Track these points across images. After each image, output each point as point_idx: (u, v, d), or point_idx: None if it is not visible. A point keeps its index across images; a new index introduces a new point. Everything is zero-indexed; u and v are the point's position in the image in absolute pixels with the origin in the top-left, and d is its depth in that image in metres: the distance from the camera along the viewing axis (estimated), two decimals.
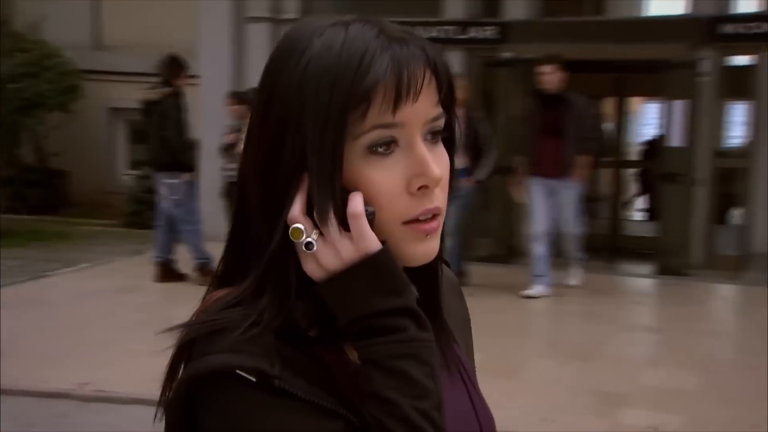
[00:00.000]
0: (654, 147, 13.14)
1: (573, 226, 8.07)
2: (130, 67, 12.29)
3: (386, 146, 0.89)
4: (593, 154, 8.13)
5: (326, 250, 0.88)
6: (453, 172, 0.97)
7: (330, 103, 0.86)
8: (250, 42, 10.56)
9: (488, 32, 10.88)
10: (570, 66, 12.22)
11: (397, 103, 0.87)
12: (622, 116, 12.78)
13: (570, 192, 7.91)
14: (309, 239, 0.88)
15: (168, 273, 8.18)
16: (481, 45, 10.87)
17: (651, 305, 8.77)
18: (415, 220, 0.91)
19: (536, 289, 7.75)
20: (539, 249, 7.85)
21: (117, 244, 10.35)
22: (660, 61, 9.96)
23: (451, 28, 11.12)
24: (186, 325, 0.93)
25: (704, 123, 9.77)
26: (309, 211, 0.89)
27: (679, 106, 9.74)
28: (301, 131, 0.88)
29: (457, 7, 10.94)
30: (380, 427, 0.84)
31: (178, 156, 7.88)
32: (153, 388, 3.87)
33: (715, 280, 9.24)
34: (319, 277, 0.89)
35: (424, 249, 0.93)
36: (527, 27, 10.79)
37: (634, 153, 15.04)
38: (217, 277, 0.98)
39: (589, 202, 13.84)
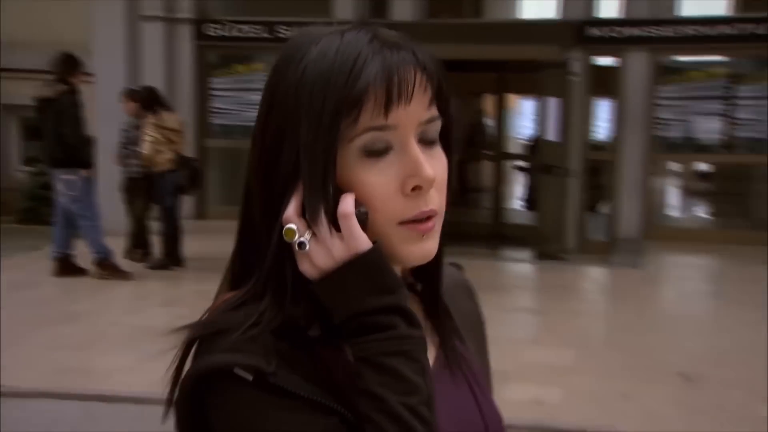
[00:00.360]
0: (535, 142, 13.53)
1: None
2: (24, 64, 11.80)
3: (380, 148, 0.89)
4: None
5: (319, 250, 0.88)
6: (451, 174, 0.96)
7: (323, 107, 0.86)
8: (144, 40, 10.31)
9: None
10: (453, 66, 12.47)
11: (388, 106, 0.87)
12: (501, 113, 13.08)
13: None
14: (302, 239, 0.88)
15: (66, 268, 7.92)
16: None
17: (530, 288, 9.05)
18: (411, 221, 0.90)
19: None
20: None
21: (12, 241, 9.93)
22: (534, 61, 10.26)
23: None
24: (191, 326, 0.93)
25: (575, 119, 10.13)
26: (304, 213, 0.89)
27: (552, 103, 10.07)
28: (296, 135, 0.88)
29: (346, 8, 10.97)
30: (370, 423, 0.84)
31: (74, 152, 7.63)
32: (56, 381, 3.80)
33: (587, 263, 9.62)
34: (313, 277, 0.89)
35: (420, 249, 0.92)
36: (413, 28, 10.91)
37: (514, 147, 15.42)
38: (228, 280, 0.98)
39: (472, 193, 14.21)
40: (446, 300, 1.08)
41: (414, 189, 0.89)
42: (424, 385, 0.86)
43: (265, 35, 11.43)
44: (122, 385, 4.93)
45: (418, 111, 0.89)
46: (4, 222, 11.17)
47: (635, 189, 10.58)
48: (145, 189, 8.32)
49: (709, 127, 10.81)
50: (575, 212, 10.31)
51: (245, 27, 11.37)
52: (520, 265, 10.11)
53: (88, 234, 7.81)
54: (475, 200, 14.30)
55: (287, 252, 0.90)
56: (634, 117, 10.55)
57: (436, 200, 0.91)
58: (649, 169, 10.82)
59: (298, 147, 0.88)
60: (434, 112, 0.92)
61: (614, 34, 10.60)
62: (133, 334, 5.98)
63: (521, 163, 14.43)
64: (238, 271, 0.96)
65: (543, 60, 10.10)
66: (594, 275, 9.20)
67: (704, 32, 10.50)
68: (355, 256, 0.87)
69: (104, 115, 9.44)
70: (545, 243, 9.99)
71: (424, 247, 0.91)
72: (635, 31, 10.58)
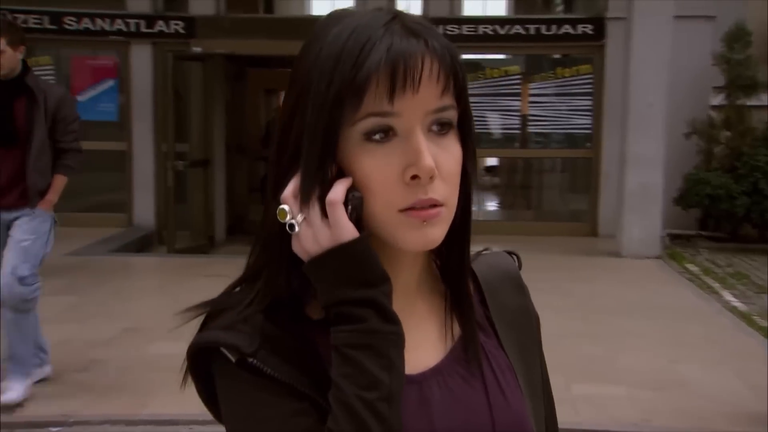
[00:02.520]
0: None
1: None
2: None
3: (383, 134, 0.89)
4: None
5: (307, 234, 0.90)
6: (467, 165, 0.95)
7: (328, 88, 0.88)
8: None
9: (176, 27, 10.72)
10: (250, 61, 12.40)
11: (393, 93, 0.88)
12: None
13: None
14: (292, 221, 0.90)
15: None
16: (169, 39, 10.71)
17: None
18: (412, 208, 0.90)
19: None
20: None
21: None
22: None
23: (134, 21, 10.84)
24: (201, 305, 0.97)
25: None
26: None
27: None
28: (304, 115, 0.90)
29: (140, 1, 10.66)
30: (331, 411, 0.87)
31: None
32: None
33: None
34: (303, 259, 0.91)
35: (420, 235, 0.91)
36: (213, 22, 10.78)
37: None
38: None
39: None
40: (487, 291, 1.09)
41: (414, 178, 0.89)
42: (388, 381, 0.87)
43: (51, 26, 10.86)
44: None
45: (426, 99, 0.90)
46: None
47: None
48: None
49: (494, 123, 11.46)
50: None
51: (29, 18, 10.70)
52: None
53: None
54: None
55: (285, 232, 0.92)
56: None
57: (441, 190, 0.91)
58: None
59: (304, 127, 0.90)
60: (447, 101, 0.92)
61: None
62: None
63: None
64: (254, 251, 0.99)
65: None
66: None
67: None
68: (338, 244, 0.88)
69: None
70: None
71: (425, 234, 0.91)
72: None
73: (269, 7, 12.78)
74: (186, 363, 0.95)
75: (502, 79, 11.29)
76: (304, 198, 0.90)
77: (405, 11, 0.94)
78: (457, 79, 0.93)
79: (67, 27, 10.88)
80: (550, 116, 11.29)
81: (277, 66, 12.77)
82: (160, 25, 10.80)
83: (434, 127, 0.92)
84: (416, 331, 0.99)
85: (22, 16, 10.36)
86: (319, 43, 0.91)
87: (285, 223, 0.91)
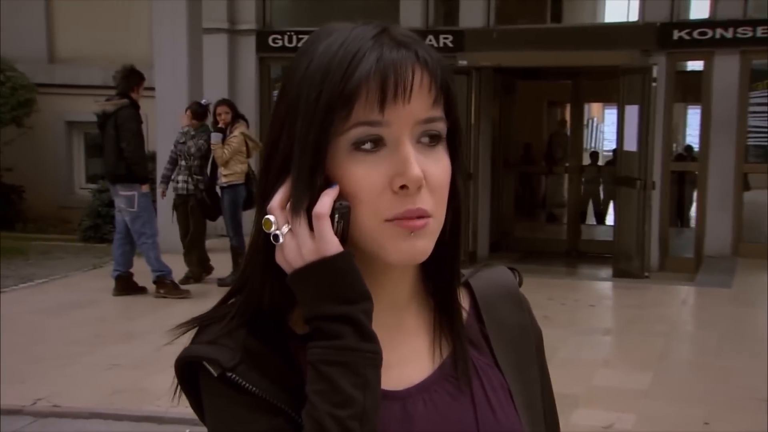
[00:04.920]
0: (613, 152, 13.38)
1: None
2: (86, 80, 12.23)
3: (372, 144, 0.91)
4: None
5: (291, 245, 0.92)
6: (456, 177, 0.97)
7: (318, 99, 0.90)
8: (206, 53, 10.58)
9: (445, 40, 11.01)
10: (527, 73, 12.45)
11: (383, 103, 0.90)
12: (578, 123, 12.96)
13: None
14: (276, 232, 0.92)
15: (126, 286, 8.15)
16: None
17: (607, 307, 8.91)
18: (399, 218, 0.91)
19: None
20: None
21: (74, 259, 10.28)
22: (614, 67, 10.15)
23: None
24: (191, 321, 1.01)
25: (657, 127, 9.96)
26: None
27: (632, 111, 9.93)
28: (293, 127, 0.93)
29: (413, 15, 11.05)
30: (304, 427, 0.89)
31: (134, 168, 7.87)
32: (110, 402, 3.94)
33: (670, 282, 9.42)
34: (286, 270, 0.93)
35: (407, 247, 0.92)
36: (481, 35, 10.93)
37: (593, 158, 15.24)
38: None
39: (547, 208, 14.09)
40: (483, 308, 1.09)
41: (402, 188, 0.90)
42: (361, 399, 0.88)
43: None
44: (176, 406, 5.03)
45: (416, 110, 0.91)
46: (68, 240, 11.57)
47: (724, 202, 10.32)
48: (201, 205, 8.50)
49: None
50: (658, 227, 10.12)
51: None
52: (597, 284, 9.98)
53: (147, 252, 8.03)
54: (551, 216, 14.19)
55: (270, 243, 0.94)
56: (722, 125, 10.30)
57: (429, 201, 0.92)
58: (739, 181, 10.54)
59: (294, 138, 0.92)
60: (437, 112, 0.94)
61: (700, 36, 10.39)
62: None
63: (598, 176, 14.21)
64: (246, 262, 1.02)
65: (623, 65, 9.99)
66: (677, 295, 8.99)
67: None
68: (321, 259, 0.90)
69: (164, 131, 9.70)
70: (625, 260, 9.84)
71: (413, 245, 0.92)
72: (724, 33, 10.34)
73: (557, 17, 12.72)
74: (175, 376, 0.99)
75: None
76: (293, 209, 0.92)
77: (394, 25, 0.96)
78: (447, 91, 0.95)
79: None
80: None
81: (555, 78, 12.70)
82: (429, 40, 11.17)
83: (423, 139, 0.93)
84: (403, 347, 1.01)
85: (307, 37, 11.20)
86: (309, 56, 0.94)
87: (269, 234, 0.93)
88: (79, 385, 5.64)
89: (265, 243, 0.94)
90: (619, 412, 5.20)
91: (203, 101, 8.85)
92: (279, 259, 0.93)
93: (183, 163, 8.50)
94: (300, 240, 0.91)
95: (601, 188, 13.82)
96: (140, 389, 5.51)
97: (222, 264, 8.66)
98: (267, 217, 0.93)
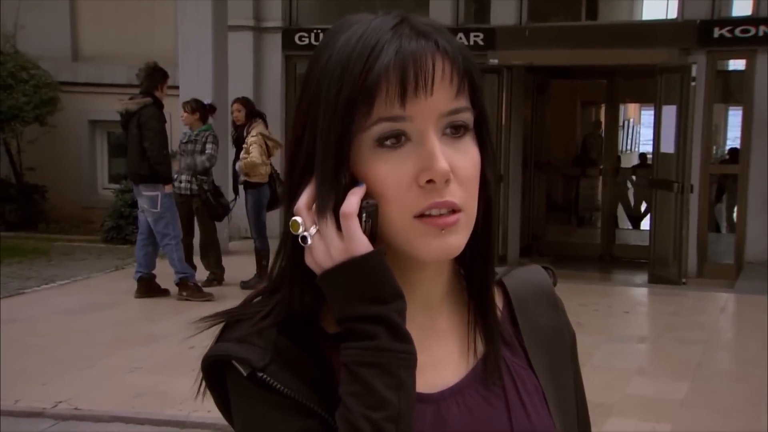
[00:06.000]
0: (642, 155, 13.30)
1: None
2: (109, 78, 12.36)
3: (395, 139, 0.91)
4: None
5: (320, 246, 0.92)
6: (485, 168, 0.96)
7: (338, 96, 0.90)
8: (231, 51, 10.64)
9: (476, 38, 10.99)
10: (561, 72, 12.38)
11: (404, 97, 0.89)
12: (613, 123, 12.87)
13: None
14: (304, 233, 0.92)
15: (148, 288, 8.21)
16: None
17: (643, 314, 8.84)
18: (429, 215, 0.91)
19: None
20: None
21: (96, 260, 10.38)
22: (652, 65, 10.08)
23: None
24: (217, 315, 1.01)
25: (696, 129, 9.86)
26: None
27: (670, 112, 9.84)
28: (315, 124, 0.93)
29: (443, 12, 11.04)
30: (338, 429, 0.89)
31: (158, 168, 7.92)
32: (131, 405, 3.97)
33: (709, 288, 9.33)
34: (316, 272, 0.93)
35: (439, 244, 0.92)
36: (513, 33, 10.90)
37: (629, 160, 15.15)
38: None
39: (582, 211, 14.00)
40: (517, 308, 1.08)
41: (428, 182, 0.90)
42: (396, 401, 0.88)
43: None
44: (198, 410, 5.08)
45: (440, 102, 0.91)
46: (90, 241, 11.68)
47: (765, 206, 10.20)
48: (206, 205, 8.50)
49: None
50: (696, 232, 10.03)
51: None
52: (632, 290, 9.90)
53: (170, 253, 8.08)
54: (586, 219, 14.10)
55: (298, 245, 0.94)
56: (764, 126, 10.19)
57: (458, 194, 0.92)
58: None
59: (316, 136, 0.92)
60: (461, 103, 0.93)
61: (742, 35, 10.29)
62: None
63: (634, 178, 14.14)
64: (275, 262, 1.02)
65: (661, 64, 9.92)
66: (715, 301, 8.90)
67: None
68: (351, 258, 0.89)
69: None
70: (661, 266, 9.76)
71: (445, 242, 0.92)
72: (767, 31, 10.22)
73: (592, 14, 12.66)
74: (200, 374, 0.99)
75: None
76: (319, 209, 0.92)
77: (414, 14, 0.95)
78: (471, 80, 0.94)
79: None
80: None
81: (590, 77, 12.62)
82: (459, 38, 11.13)
83: (448, 130, 0.93)
84: (437, 348, 1.01)
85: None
86: (329, 51, 0.94)
87: (297, 235, 0.93)
88: (100, 388, 5.69)
89: (294, 245, 0.95)
90: (654, 421, 5.16)
91: (206, 101, 8.83)
92: (308, 260, 0.93)
93: (186, 163, 8.50)
94: (328, 240, 0.91)
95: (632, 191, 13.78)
96: (162, 393, 5.55)
97: (245, 266, 8.69)
98: (294, 218, 0.93)
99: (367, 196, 0.91)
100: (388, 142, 0.91)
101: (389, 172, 0.91)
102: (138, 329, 7.35)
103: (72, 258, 10.54)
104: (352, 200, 0.90)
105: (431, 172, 0.89)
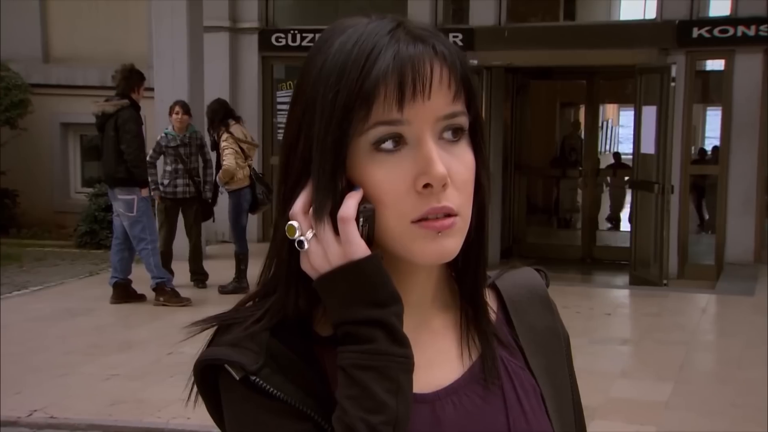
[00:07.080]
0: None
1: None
2: (82, 80, 12.28)
3: (393, 143, 0.92)
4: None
5: (317, 251, 0.93)
6: (480, 173, 0.98)
7: (335, 99, 0.91)
8: (207, 52, 10.60)
9: (454, 39, 11.01)
10: (539, 73, 12.44)
11: (401, 101, 0.90)
12: (593, 124, 12.95)
13: None
14: (301, 238, 0.93)
15: (124, 294, 8.16)
16: None
17: (624, 316, 8.90)
18: (425, 218, 0.92)
19: None
20: None
21: (70, 266, 10.31)
22: (630, 66, 10.16)
23: None
24: (209, 319, 1.02)
25: (676, 129, 9.94)
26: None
27: (650, 112, 9.91)
28: (311, 128, 0.94)
29: (422, 12, 11.06)
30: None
31: (134, 171, 7.87)
32: (108, 413, 3.95)
33: (690, 289, 9.41)
34: (312, 276, 0.94)
35: (435, 247, 0.93)
36: (492, 33, 10.94)
37: (607, 161, 15.24)
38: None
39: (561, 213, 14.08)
40: (512, 310, 1.10)
41: (426, 186, 0.91)
42: (394, 405, 0.89)
43: None
44: (177, 417, 5.06)
45: (437, 106, 0.92)
46: (63, 246, 11.60)
47: (746, 207, 10.31)
48: (204, 208, 8.52)
49: None
50: (676, 233, 10.11)
51: (313, 36, 11.55)
52: (614, 291, 9.96)
53: (146, 258, 8.04)
54: (566, 221, 14.18)
55: (294, 249, 0.95)
56: (743, 127, 10.29)
57: (455, 199, 0.93)
58: (761, 185, 10.53)
59: (312, 140, 0.93)
60: (458, 107, 0.94)
61: (721, 35, 10.39)
62: (190, 364, 6.11)
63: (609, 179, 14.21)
64: (266, 266, 1.03)
65: (641, 65, 9.99)
66: (697, 303, 8.98)
67: None
68: (349, 262, 0.90)
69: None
70: (642, 267, 9.83)
71: (441, 246, 0.93)
72: (746, 31, 10.32)
73: (570, 14, 12.68)
74: (192, 379, 1.00)
75: None
76: (316, 214, 0.93)
77: (409, 19, 0.96)
78: (467, 84, 0.95)
79: None
80: None
81: (569, 78, 12.68)
82: None
83: (445, 134, 0.94)
84: (431, 348, 1.02)
85: (311, 35, 11.24)
86: (323, 55, 0.94)
87: (293, 240, 0.94)
88: (76, 396, 5.66)
89: (290, 249, 0.95)
90: (639, 424, 5.20)
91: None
92: (304, 265, 0.94)
93: (181, 166, 8.46)
94: (326, 245, 0.92)
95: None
96: (139, 400, 5.52)
97: (223, 271, 8.67)
98: (290, 223, 0.94)
99: (364, 200, 0.92)
100: (385, 146, 0.92)
101: (386, 177, 0.92)
102: (114, 336, 7.31)
103: (45, 264, 10.46)
104: (350, 204, 0.91)
105: (429, 177, 0.91)
